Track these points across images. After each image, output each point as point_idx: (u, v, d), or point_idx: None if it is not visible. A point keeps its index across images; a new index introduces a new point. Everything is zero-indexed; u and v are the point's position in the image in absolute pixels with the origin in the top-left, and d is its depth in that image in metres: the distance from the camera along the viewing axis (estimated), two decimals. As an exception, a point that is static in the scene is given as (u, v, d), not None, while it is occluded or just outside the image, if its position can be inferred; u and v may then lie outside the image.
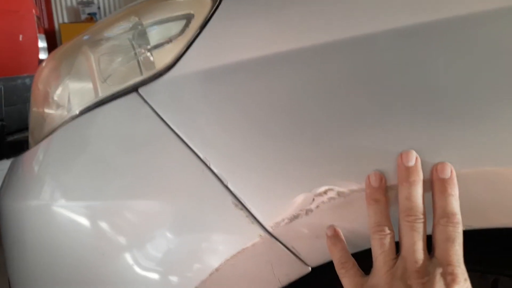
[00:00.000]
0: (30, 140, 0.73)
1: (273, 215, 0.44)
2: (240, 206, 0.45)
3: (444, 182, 0.39)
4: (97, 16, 5.88)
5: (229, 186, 0.46)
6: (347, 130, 0.42)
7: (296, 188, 0.43)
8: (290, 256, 0.44)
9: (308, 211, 0.42)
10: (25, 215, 0.64)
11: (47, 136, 0.66)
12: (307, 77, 0.45)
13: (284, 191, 0.44)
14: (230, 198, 0.46)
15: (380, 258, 0.40)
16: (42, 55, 2.04)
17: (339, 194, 0.41)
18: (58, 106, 0.68)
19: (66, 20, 5.46)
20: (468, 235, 0.41)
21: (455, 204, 0.39)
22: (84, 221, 0.57)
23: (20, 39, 1.89)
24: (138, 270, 0.52)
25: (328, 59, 0.45)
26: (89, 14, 5.97)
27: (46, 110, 0.70)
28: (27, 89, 1.85)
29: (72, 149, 0.61)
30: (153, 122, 0.52)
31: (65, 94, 0.67)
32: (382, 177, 0.41)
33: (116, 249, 0.54)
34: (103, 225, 0.56)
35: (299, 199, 0.43)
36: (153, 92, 0.53)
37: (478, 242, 0.48)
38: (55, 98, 0.69)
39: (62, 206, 0.59)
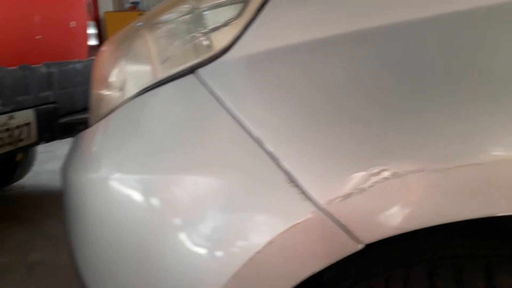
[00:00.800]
0: (91, 119, 0.77)
1: (326, 193, 0.45)
2: (293, 183, 0.47)
3: None
4: (140, 5, 6.00)
5: (283, 164, 0.48)
6: (406, 110, 0.43)
7: (351, 167, 0.44)
8: (342, 233, 0.45)
9: (362, 190, 0.43)
10: (86, 187, 0.68)
11: (106, 115, 0.69)
12: (365, 57, 0.46)
13: (338, 170, 0.45)
14: (283, 176, 0.47)
15: None
16: (92, 42, 2.12)
17: (394, 174, 0.42)
18: (116, 87, 0.71)
19: (110, 9, 5.60)
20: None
21: None
22: (138, 194, 0.60)
23: (72, 25, 1.97)
24: (189, 244, 0.54)
25: (390, 41, 0.45)
26: (132, 3, 6.11)
27: (105, 92, 0.74)
28: (78, 73, 1.93)
29: (129, 126, 0.64)
30: (208, 102, 0.54)
31: (123, 76, 0.70)
32: None
33: (166, 223, 0.56)
34: (156, 199, 0.58)
35: (354, 178, 0.44)
36: (210, 73, 0.55)
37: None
38: (114, 79, 0.73)
39: (118, 179, 0.62)
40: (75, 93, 1.92)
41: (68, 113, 1.91)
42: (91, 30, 2.09)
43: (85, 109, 2.02)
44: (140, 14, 4.85)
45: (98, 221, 0.67)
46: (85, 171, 0.69)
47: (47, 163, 3.05)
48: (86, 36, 2.10)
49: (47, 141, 1.85)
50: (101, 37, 2.21)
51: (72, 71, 1.90)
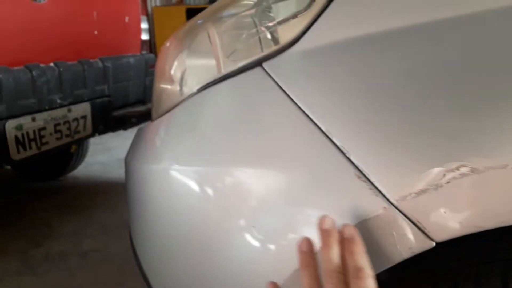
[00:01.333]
0: (152, 112, 0.79)
1: (399, 189, 0.44)
2: (363, 178, 0.46)
3: (349, 242, 0.44)
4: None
5: (352, 158, 0.47)
6: (486, 103, 0.41)
7: (425, 162, 0.43)
8: (415, 230, 0.44)
9: (437, 187, 0.42)
10: (147, 177, 0.70)
11: (169, 110, 0.71)
12: (440, 50, 0.44)
13: (412, 165, 0.44)
14: (352, 170, 0.47)
15: None
16: (144, 36, 2.17)
17: (473, 170, 0.41)
18: (179, 82, 0.73)
19: (158, 4, 5.72)
20: None
21: (361, 260, 0.42)
22: (197, 185, 0.60)
23: (126, 20, 2.02)
24: (250, 239, 0.54)
25: (463, 32, 0.44)
26: (179, -3, 6.21)
27: (168, 86, 0.76)
28: (131, 68, 1.99)
29: (192, 122, 0.65)
30: (275, 95, 0.54)
31: (187, 71, 0.71)
32: (311, 242, 0.46)
33: (229, 216, 0.56)
34: (221, 192, 0.58)
35: (429, 174, 0.42)
36: (277, 66, 0.55)
37: None
38: (176, 74, 0.74)
39: (178, 170, 0.63)
40: (128, 86, 1.97)
41: (121, 106, 1.97)
42: (144, 25, 2.15)
43: (137, 102, 2.08)
44: (187, 8, 4.94)
45: (157, 209, 0.68)
46: (147, 162, 0.71)
47: (98, 154, 3.17)
48: (140, 31, 2.15)
49: (101, 133, 1.91)
50: (150, 31, 2.26)
51: (126, 65, 1.96)
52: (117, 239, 1.93)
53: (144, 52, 2.16)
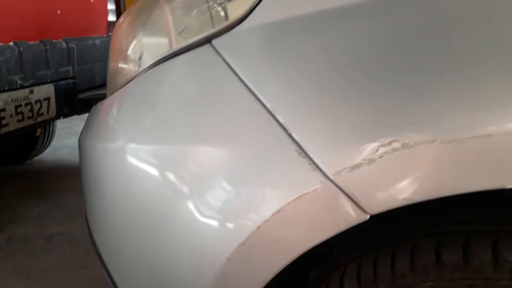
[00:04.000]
0: (107, 91, 0.78)
1: (335, 163, 0.45)
2: (303, 154, 0.47)
3: None
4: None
5: (294, 135, 0.48)
6: (417, 80, 0.43)
7: (360, 137, 0.44)
8: (350, 204, 0.46)
9: (371, 161, 0.44)
10: (102, 156, 0.70)
11: (122, 86, 0.71)
12: (376, 27, 0.46)
13: (348, 141, 0.45)
14: (293, 146, 0.48)
15: None
16: (111, 17, 2.13)
17: (404, 145, 0.42)
18: (133, 59, 0.72)
19: (130, -14, 5.61)
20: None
21: None
22: (151, 164, 0.61)
23: (92, 0, 1.98)
24: (202, 211, 0.55)
25: (400, 9, 0.45)
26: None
27: (122, 64, 0.75)
28: (97, 49, 1.95)
29: (144, 97, 0.65)
30: (224, 73, 0.54)
31: (140, 47, 0.71)
32: None
33: (178, 193, 0.57)
34: (169, 169, 0.59)
35: (363, 149, 0.44)
36: (225, 43, 0.55)
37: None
38: (131, 51, 0.73)
39: (133, 149, 0.63)
40: (94, 69, 1.94)
41: (86, 89, 1.94)
42: (111, 6, 2.10)
43: (103, 85, 2.04)
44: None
45: (112, 190, 0.68)
46: (101, 141, 0.71)
47: (66, 138, 3.11)
48: (106, 12, 2.11)
49: (66, 116, 1.88)
50: (119, 13, 2.22)
51: (91, 47, 1.92)
52: (84, 223, 1.90)
53: (111, 33, 2.12)
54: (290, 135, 0.48)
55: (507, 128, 0.39)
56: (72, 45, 1.80)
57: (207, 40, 0.56)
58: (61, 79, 1.78)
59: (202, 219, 0.55)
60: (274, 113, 0.50)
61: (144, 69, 0.66)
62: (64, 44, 1.77)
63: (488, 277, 0.45)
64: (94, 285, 1.49)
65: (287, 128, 0.49)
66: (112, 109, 0.72)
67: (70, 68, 1.81)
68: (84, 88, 1.92)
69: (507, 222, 0.48)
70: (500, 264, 0.44)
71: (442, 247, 0.48)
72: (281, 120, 0.49)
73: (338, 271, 0.57)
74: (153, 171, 0.61)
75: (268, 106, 0.50)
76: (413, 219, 0.54)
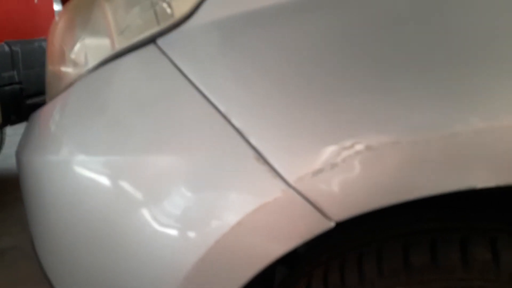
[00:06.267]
0: (47, 97, 0.72)
1: (296, 169, 0.42)
2: (262, 160, 0.44)
3: None
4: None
5: (251, 140, 0.45)
6: (377, 81, 0.40)
7: (321, 141, 0.41)
8: (313, 212, 0.43)
9: (333, 165, 0.41)
10: (44, 170, 0.64)
11: (63, 90, 0.65)
12: (334, 24, 0.43)
13: (308, 145, 0.42)
14: (251, 152, 0.44)
15: None
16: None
17: (367, 147, 0.40)
18: (74, 62, 0.66)
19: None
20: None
21: None
22: (102, 176, 0.56)
23: (36, 1, 1.87)
24: (156, 226, 0.51)
25: (360, 5, 0.42)
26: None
27: (62, 67, 0.69)
28: (44, 52, 1.84)
29: (88, 103, 0.60)
30: (171, 75, 0.50)
31: (81, 49, 0.65)
32: None
33: (134, 205, 0.53)
34: (122, 180, 0.55)
35: (325, 153, 0.41)
36: (172, 43, 0.51)
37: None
38: (71, 54, 0.68)
39: (80, 161, 0.58)
40: (42, 73, 1.83)
41: (35, 94, 1.83)
42: (57, 7, 2.00)
43: (53, 89, 1.94)
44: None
45: (58, 209, 0.63)
46: (42, 153, 0.65)
47: (16, 146, 2.96)
48: (53, 13, 2.01)
49: (14, 123, 1.77)
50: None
51: (37, 50, 1.82)
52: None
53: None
54: (247, 141, 0.45)
55: (473, 126, 0.37)
56: (16, 48, 1.69)
57: (151, 40, 0.52)
58: (5, 85, 1.67)
59: (159, 231, 0.51)
60: (229, 117, 0.46)
61: (86, 72, 0.61)
62: (6, 48, 1.66)
63: (461, 278, 0.43)
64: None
65: (244, 133, 0.45)
66: (54, 116, 0.66)
67: (15, 72, 1.71)
68: (33, 93, 1.81)
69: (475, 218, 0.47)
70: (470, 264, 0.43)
71: (409, 249, 0.47)
72: (237, 125, 0.45)
73: (305, 278, 0.54)
74: (105, 184, 0.56)
75: (222, 109, 0.46)
76: (376, 218, 0.52)
